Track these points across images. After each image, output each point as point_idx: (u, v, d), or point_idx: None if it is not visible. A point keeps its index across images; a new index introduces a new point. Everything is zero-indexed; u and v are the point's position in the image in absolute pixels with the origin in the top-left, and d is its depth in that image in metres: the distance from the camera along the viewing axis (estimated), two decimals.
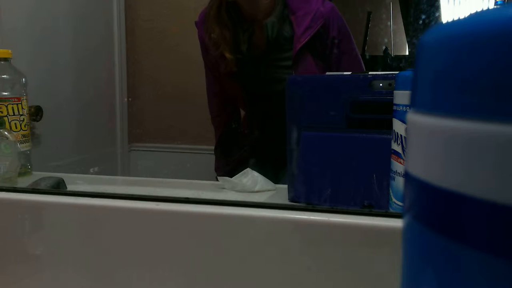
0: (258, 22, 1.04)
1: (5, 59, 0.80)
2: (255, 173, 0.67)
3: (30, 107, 0.82)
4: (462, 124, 0.14)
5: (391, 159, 0.47)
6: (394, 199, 0.47)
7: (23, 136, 0.79)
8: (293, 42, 1.02)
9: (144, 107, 1.83)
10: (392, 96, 0.47)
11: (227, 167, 1.20)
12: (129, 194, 0.48)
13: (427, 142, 0.15)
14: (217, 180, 0.69)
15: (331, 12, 1.02)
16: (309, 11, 1.01)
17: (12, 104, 0.77)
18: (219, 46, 1.03)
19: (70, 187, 0.63)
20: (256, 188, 0.65)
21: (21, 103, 0.79)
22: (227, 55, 1.02)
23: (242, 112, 1.24)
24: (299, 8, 1.02)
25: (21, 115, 0.78)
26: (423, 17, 1.32)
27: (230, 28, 1.03)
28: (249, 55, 1.05)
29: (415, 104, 0.17)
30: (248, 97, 1.12)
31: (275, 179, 0.68)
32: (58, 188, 0.61)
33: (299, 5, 1.02)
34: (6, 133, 0.71)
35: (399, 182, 0.46)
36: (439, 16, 1.24)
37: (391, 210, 0.48)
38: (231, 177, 0.68)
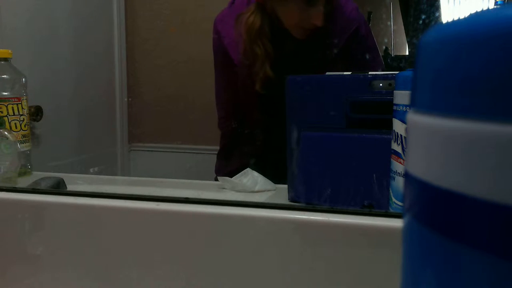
0: (295, 40, 1.00)
1: (5, 59, 0.80)
2: (255, 173, 0.67)
3: (30, 107, 0.82)
4: (462, 124, 0.14)
5: (391, 159, 0.47)
6: (394, 199, 0.47)
7: (23, 136, 0.79)
8: (326, 52, 0.99)
9: (144, 107, 1.83)
10: (392, 96, 0.47)
11: (229, 168, 1.19)
12: (129, 194, 0.48)
13: (427, 142, 0.15)
14: (216, 180, 0.69)
15: (358, 14, 1.01)
16: (342, 18, 0.99)
17: (12, 104, 0.77)
18: (262, 65, 0.98)
19: (70, 187, 0.63)
20: (256, 188, 0.65)
21: (21, 103, 0.79)
22: (269, 72, 0.97)
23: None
24: (334, 17, 0.99)
25: (21, 115, 0.78)
26: (423, 17, 1.32)
27: (272, 43, 0.98)
28: (279, 68, 1.00)
29: (415, 104, 0.17)
30: (265, 105, 1.08)
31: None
32: (58, 188, 0.61)
33: (334, 14, 0.99)
34: (6, 133, 0.71)
35: (399, 182, 0.46)
36: (439, 16, 1.24)
37: (391, 210, 0.48)
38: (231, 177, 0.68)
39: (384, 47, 1.41)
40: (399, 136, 0.45)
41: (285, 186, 0.62)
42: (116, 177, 1.51)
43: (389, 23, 1.45)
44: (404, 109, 0.45)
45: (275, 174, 1.02)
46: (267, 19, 0.98)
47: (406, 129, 0.24)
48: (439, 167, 0.14)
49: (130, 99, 1.82)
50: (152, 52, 1.80)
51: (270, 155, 1.08)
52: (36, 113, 1.13)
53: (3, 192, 0.50)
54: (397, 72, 0.49)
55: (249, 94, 1.07)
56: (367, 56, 1.03)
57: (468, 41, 0.14)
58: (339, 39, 0.99)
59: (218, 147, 1.24)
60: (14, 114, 0.77)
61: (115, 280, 0.47)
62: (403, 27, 1.43)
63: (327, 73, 0.62)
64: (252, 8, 0.99)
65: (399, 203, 0.46)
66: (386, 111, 0.48)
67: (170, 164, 1.72)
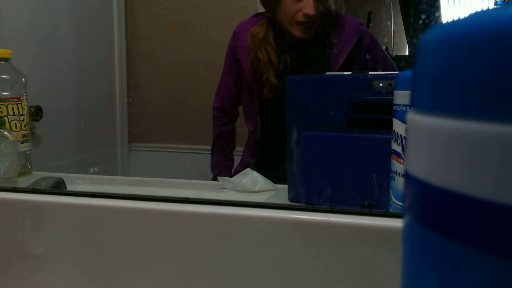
0: (299, 44, 1.06)
1: (5, 59, 0.80)
2: (255, 173, 0.67)
3: (30, 107, 0.82)
4: (462, 124, 0.14)
5: (391, 159, 0.47)
6: (394, 199, 0.47)
7: (23, 136, 0.79)
8: (331, 60, 1.04)
9: (144, 107, 1.83)
10: (392, 96, 0.47)
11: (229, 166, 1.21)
12: (129, 194, 0.48)
13: (427, 142, 0.15)
14: (212, 180, 0.70)
15: (361, 25, 1.08)
16: (344, 27, 1.05)
17: (12, 104, 0.77)
18: (265, 71, 1.05)
19: (70, 187, 0.63)
20: (256, 188, 0.65)
21: (21, 103, 0.79)
22: (273, 80, 1.04)
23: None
24: (336, 26, 1.06)
25: (21, 115, 0.78)
26: (423, 17, 1.32)
27: (277, 52, 1.05)
28: (284, 74, 1.06)
29: (415, 104, 0.17)
30: (265, 117, 1.12)
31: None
32: (58, 188, 0.61)
33: (336, 23, 1.06)
34: (6, 133, 0.71)
35: (399, 182, 0.46)
36: (439, 16, 1.24)
37: (391, 210, 0.48)
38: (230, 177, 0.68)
39: (384, 47, 1.42)
40: (399, 136, 0.45)
41: (285, 186, 0.62)
42: (116, 177, 1.51)
43: (389, 23, 1.45)
44: (404, 109, 0.45)
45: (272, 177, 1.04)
46: (273, 31, 1.06)
47: (406, 129, 0.24)
48: (439, 167, 0.14)
49: (130, 99, 1.82)
50: (152, 52, 1.81)
51: (267, 160, 1.10)
52: (36, 113, 1.13)
53: (3, 192, 0.50)
54: (397, 72, 0.49)
55: (251, 99, 1.12)
56: (377, 64, 1.08)
57: (468, 41, 0.14)
58: (343, 46, 1.04)
59: None
60: (14, 114, 0.77)
61: (115, 280, 0.47)
62: (403, 27, 1.43)
63: (327, 73, 0.62)
64: (262, 22, 1.08)
65: (399, 203, 0.46)
66: (386, 111, 0.48)
67: (170, 164, 1.72)
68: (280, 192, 0.65)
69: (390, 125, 0.47)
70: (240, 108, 1.22)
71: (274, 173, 1.06)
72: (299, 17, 1.01)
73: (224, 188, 0.67)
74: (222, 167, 1.20)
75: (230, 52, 1.16)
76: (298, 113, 0.61)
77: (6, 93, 0.78)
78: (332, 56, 1.05)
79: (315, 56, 1.09)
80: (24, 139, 0.79)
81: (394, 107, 0.46)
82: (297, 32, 1.03)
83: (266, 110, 1.11)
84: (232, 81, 1.16)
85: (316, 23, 1.03)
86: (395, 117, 0.46)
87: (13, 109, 0.77)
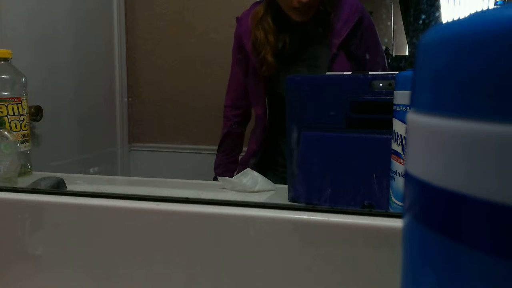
0: (299, 25, 1.07)
1: (5, 59, 0.80)
2: (255, 173, 0.67)
3: (30, 107, 0.82)
4: (462, 124, 0.14)
5: (391, 159, 0.47)
6: (394, 199, 0.47)
7: (23, 136, 0.79)
8: (330, 40, 1.04)
9: (144, 107, 1.83)
10: (392, 96, 0.47)
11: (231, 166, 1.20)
12: (129, 194, 0.48)
13: (427, 142, 0.15)
14: (214, 180, 0.70)
15: (362, 7, 1.07)
16: (344, 7, 1.05)
17: (12, 104, 0.77)
18: (262, 49, 1.06)
19: (70, 187, 0.63)
20: (256, 188, 0.65)
21: (21, 103, 0.79)
22: (270, 58, 1.05)
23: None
24: (336, 6, 1.06)
25: (21, 115, 0.78)
26: (423, 17, 1.32)
27: (275, 32, 1.06)
28: (283, 53, 1.07)
29: (415, 104, 0.17)
30: (271, 99, 1.12)
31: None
32: (58, 188, 0.61)
33: (336, 3, 1.06)
34: (6, 133, 0.71)
35: (399, 182, 0.46)
36: (439, 16, 1.24)
37: (391, 210, 0.48)
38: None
39: (384, 47, 1.42)
40: (399, 136, 0.45)
41: (285, 186, 0.62)
42: (116, 177, 1.51)
43: (389, 23, 1.45)
44: (404, 109, 0.45)
45: (275, 171, 1.04)
46: (272, 12, 1.06)
47: (406, 129, 0.24)
48: (439, 167, 0.14)
49: (130, 99, 1.82)
50: (152, 52, 1.80)
51: (275, 147, 1.11)
52: (36, 113, 1.13)
53: (3, 192, 0.50)
54: (397, 72, 0.49)
55: (258, 82, 1.12)
56: (369, 53, 1.07)
57: (468, 41, 0.14)
58: (343, 26, 1.04)
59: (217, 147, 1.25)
60: (14, 114, 0.77)
61: (115, 280, 0.47)
62: (403, 27, 1.43)
63: (327, 73, 0.62)
64: (262, 4, 1.09)
65: (399, 203, 0.46)
66: (386, 111, 0.48)
67: (170, 164, 1.72)
68: (280, 192, 0.65)
69: (390, 125, 0.47)
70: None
71: (281, 161, 1.06)
72: (294, 3, 1.01)
73: (224, 188, 0.67)
74: (225, 168, 1.20)
75: (235, 41, 1.16)
76: (298, 113, 0.61)
77: (6, 93, 0.78)
78: (331, 36, 1.04)
79: (315, 37, 1.09)
80: (24, 139, 0.79)
81: (394, 107, 0.46)
82: (295, 16, 1.04)
83: (272, 93, 1.10)
84: (241, 72, 1.16)
85: (314, 6, 1.03)
86: (395, 117, 0.46)
87: (13, 109, 0.77)
